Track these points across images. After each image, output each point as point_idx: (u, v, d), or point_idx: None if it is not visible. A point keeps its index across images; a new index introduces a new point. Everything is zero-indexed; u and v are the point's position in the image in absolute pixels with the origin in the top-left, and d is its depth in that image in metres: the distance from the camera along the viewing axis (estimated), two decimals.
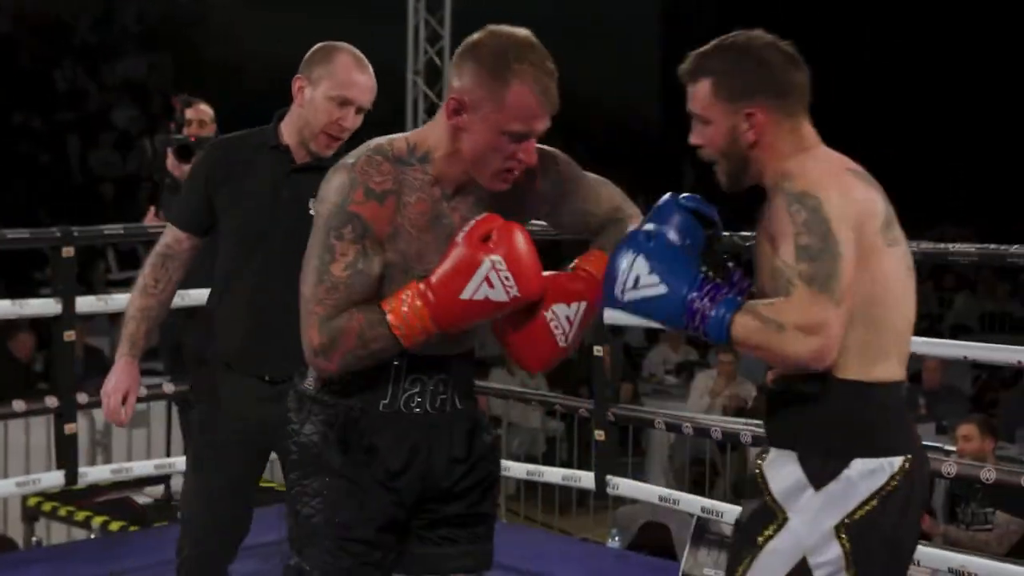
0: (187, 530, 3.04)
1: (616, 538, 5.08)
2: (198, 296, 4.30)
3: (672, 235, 2.15)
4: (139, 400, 2.97)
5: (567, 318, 2.24)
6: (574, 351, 2.34)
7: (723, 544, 4.18)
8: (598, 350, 4.41)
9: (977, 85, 17.00)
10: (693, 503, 4.26)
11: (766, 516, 2.16)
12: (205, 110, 5.10)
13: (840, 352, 2.07)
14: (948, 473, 3.60)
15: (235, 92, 11.35)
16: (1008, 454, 6.50)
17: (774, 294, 2.09)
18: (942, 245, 3.64)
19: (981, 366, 8.92)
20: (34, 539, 5.20)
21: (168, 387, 4.75)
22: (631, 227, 2.30)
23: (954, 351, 3.90)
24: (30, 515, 5.21)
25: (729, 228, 2.71)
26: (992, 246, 3.63)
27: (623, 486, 4.48)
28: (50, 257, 4.40)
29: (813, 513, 2.12)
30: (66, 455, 4.37)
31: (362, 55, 2.94)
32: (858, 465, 2.11)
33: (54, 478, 4.40)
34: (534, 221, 2.39)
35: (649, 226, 2.17)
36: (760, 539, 2.15)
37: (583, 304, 2.26)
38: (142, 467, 4.85)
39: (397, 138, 2.24)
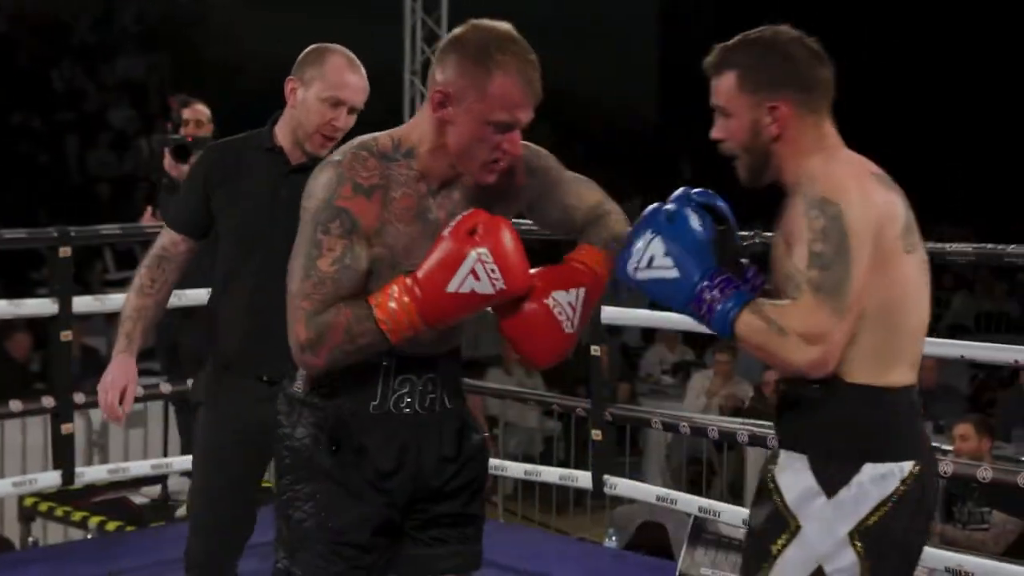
0: (193, 530, 3.07)
1: (613, 538, 5.08)
2: (195, 296, 4.31)
3: (693, 222, 2.14)
4: (136, 400, 2.96)
5: (569, 304, 2.24)
6: (571, 351, 2.34)
7: (720, 544, 4.18)
8: (595, 350, 4.41)
9: (976, 85, 17.01)
10: (690, 503, 4.26)
11: (779, 525, 2.14)
12: (202, 110, 5.10)
13: (853, 356, 2.08)
14: (945, 472, 3.60)
15: (235, 92, 11.36)
16: (1005, 453, 6.49)
17: (786, 295, 2.08)
18: (940, 245, 3.63)
19: (978, 366, 8.92)
20: (31, 539, 5.20)
21: (165, 387, 4.75)
22: (614, 223, 2.33)
23: (951, 350, 3.89)
24: (27, 515, 5.21)
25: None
26: (989, 246, 3.63)
27: (620, 486, 4.48)
28: (47, 257, 4.39)
29: (826, 521, 2.11)
30: (63, 455, 4.36)
31: (354, 56, 2.96)
32: (869, 470, 2.10)
33: (51, 478, 4.40)
34: (522, 220, 2.39)
35: (670, 207, 2.16)
36: (774, 548, 2.14)
37: (582, 290, 2.26)
38: (139, 467, 4.85)
39: (382, 135, 2.25)
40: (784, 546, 2.13)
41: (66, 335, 4.33)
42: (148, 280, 2.95)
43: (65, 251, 4.27)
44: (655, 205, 2.19)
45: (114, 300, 4.37)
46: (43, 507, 5.12)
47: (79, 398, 4.37)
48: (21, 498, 5.16)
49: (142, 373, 3.04)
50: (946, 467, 3.59)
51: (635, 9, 18.26)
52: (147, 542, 4.61)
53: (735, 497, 6.72)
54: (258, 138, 3.00)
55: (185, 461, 4.72)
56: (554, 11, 15.58)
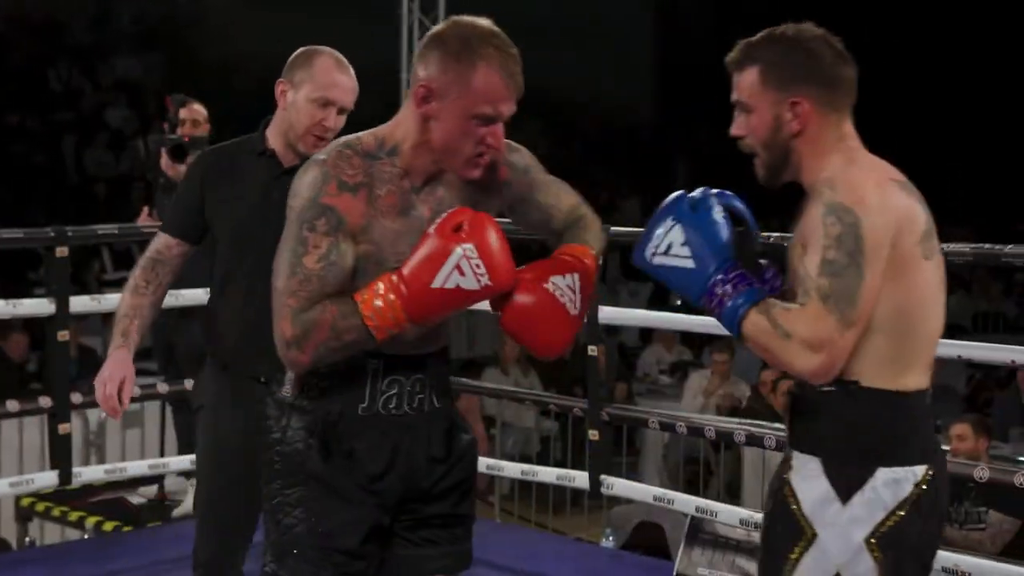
0: (198, 529, 3.08)
1: (610, 538, 5.08)
2: (192, 296, 4.31)
3: (716, 214, 2.14)
4: (133, 400, 2.95)
5: (568, 287, 2.25)
6: (576, 341, 2.34)
7: (717, 544, 4.18)
8: (592, 350, 4.41)
9: (975, 85, 17.01)
10: (687, 503, 4.26)
11: (794, 532, 2.13)
12: (199, 110, 5.09)
13: (869, 361, 2.08)
14: None
15: (232, 92, 11.36)
16: (1002, 453, 6.50)
17: (797, 299, 2.08)
18: None
19: (975, 366, 8.92)
20: (28, 539, 5.20)
21: (162, 387, 4.75)
22: (591, 224, 2.37)
23: (948, 350, 3.89)
24: (24, 515, 5.21)
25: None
26: (987, 246, 3.63)
27: (617, 486, 4.48)
28: (44, 257, 4.39)
29: (842, 528, 2.10)
30: (60, 455, 4.37)
31: (342, 57, 2.99)
32: (882, 475, 2.10)
33: (48, 478, 4.40)
34: (504, 219, 2.39)
35: (695, 195, 2.16)
36: (792, 556, 2.13)
37: (576, 275, 2.27)
38: (136, 467, 4.85)
39: (365, 134, 2.26)
40: (801, 554, 2.13)
41: (63, 335, 4.33)
42: (143, 281, 2.95)
43: (62, 251, 4.27)
44: (679, 192, 2.19)
45: (111, 300, 4.36)
46: (40, 507, 5.12)
47: (76, 398, 4.37)
48: (18, 498, 5.16)
49: (139, 373, 3.03)
50: None
51: (632, 9, 18.27)
52: (144, 542, 4.61)
53: (732, 497, 6.73)
54: (251, 142, 3.02)
55: (182, 461, 4.73)
56: (552, 11, 15.60)
